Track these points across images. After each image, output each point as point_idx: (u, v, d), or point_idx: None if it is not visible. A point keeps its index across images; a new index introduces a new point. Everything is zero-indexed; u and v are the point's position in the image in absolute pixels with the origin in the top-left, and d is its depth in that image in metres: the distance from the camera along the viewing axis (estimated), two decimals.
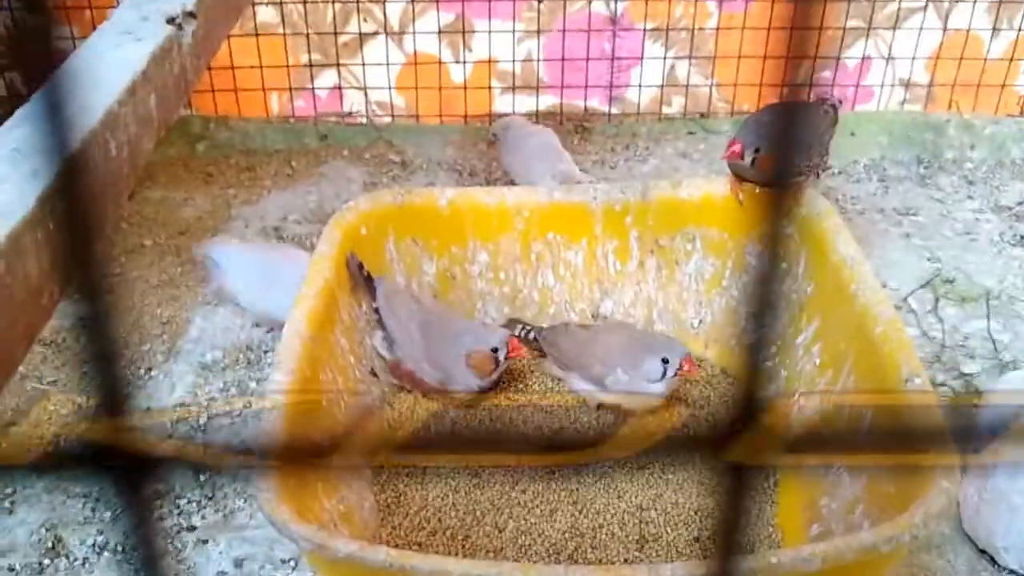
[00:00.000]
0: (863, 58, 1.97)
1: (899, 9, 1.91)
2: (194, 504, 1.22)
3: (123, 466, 0.24)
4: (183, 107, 1.75)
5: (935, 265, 1.62)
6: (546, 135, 1.74)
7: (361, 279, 1.29)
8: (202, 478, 1.25)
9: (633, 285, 1.40)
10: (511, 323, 1.37)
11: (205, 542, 1.17)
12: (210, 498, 1.23)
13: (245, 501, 1.23)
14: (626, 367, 1.24)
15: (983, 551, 1.13)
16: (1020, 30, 1.94)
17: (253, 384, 1.40)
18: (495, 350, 1.25)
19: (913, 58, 1.96)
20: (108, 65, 0.72)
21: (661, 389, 1.23)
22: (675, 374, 1.22)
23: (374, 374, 1.30)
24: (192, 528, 1.19)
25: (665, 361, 1.21)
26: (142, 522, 0.26)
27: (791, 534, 1.11)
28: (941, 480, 0.87)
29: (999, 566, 1.12)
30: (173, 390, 1.39)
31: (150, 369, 1.43)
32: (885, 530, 0.83)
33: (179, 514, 1.20)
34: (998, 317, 1.51)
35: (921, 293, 1.55)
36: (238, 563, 1.14)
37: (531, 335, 1.32)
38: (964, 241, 1.69)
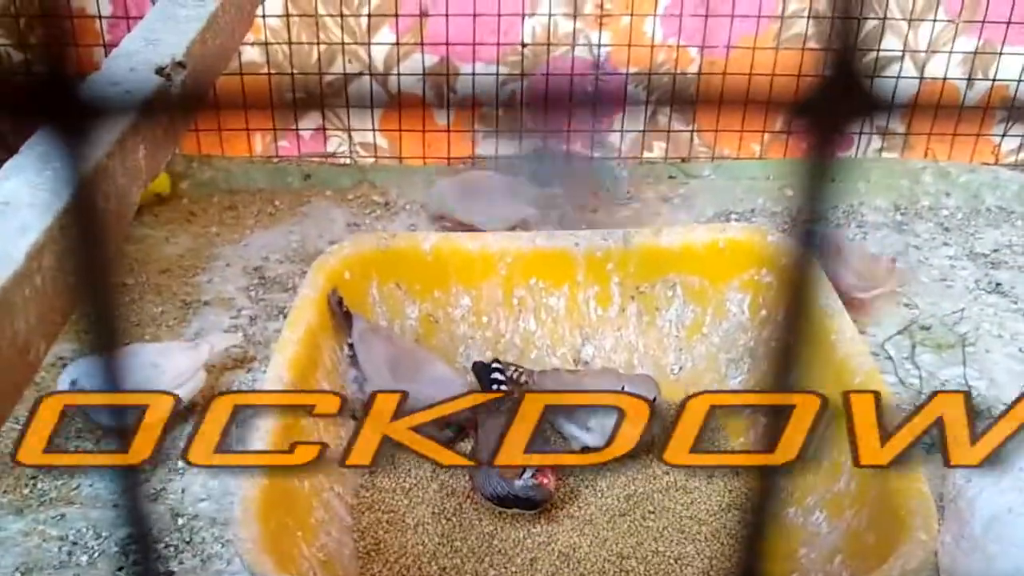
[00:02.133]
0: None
1: (877, 58, 1.95)
2: (171, 548, 1.21)
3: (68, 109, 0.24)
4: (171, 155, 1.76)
5: (912, 311, 1.64)
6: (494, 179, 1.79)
7: (340, 315, 1.30)
8: (180, 522, 1.24)
9: (614, 331, 1.41)
10: (493, 363, 1.37)
11: None
12: (187, 542, 1.22)
13: (223, 547, 1.22)
14: (611, 410, 1.23)
15: None
16: (994, 80, 1.97)
17: (233, 427, 1.39)
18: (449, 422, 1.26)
19: (891, 107, 1.99)
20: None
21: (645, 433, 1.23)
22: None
23: (354, 417, 1.29)
24: (169, 574, 1.18)
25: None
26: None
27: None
28: (918, 532, 0.88)
29: None
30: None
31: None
32: None
33: (156, 559, 1.19)
34: (973, 364, 1.52)
35: (898, 339, 1.57)
36: None
37: (522, 378, 1.32)
38: (940, 288, 1.72)
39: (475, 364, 1.39)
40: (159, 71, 0.85)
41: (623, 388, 1.21)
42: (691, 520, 1.21)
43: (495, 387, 1.34)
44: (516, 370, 1.34)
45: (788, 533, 1.12)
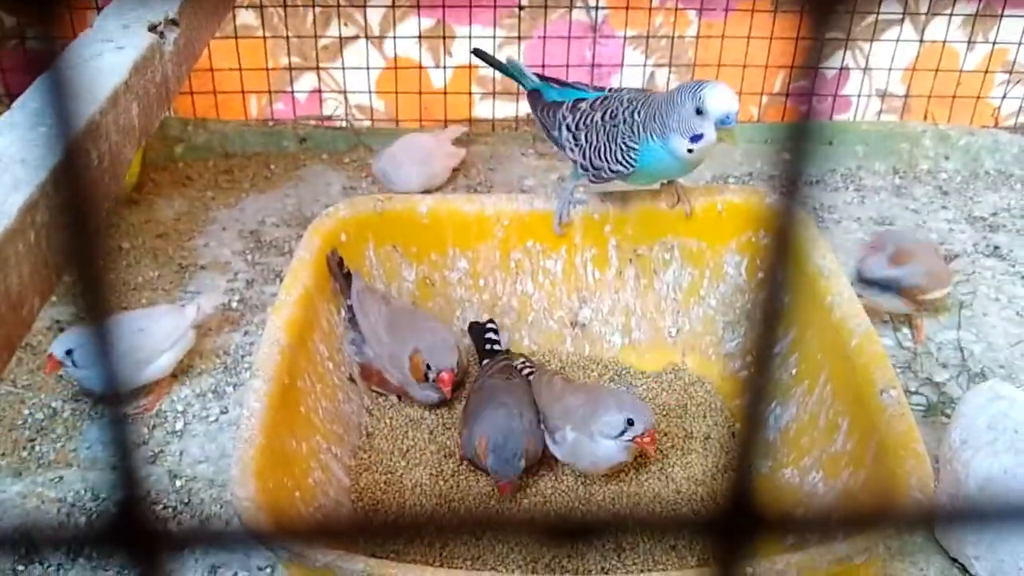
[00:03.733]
0: (841, 68, 1.98)
1: (877, 21, 1.93)
2: (169, 510, 1.22)
3: (141, 545, 0.24)
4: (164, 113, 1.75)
5: None
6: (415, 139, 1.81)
7: (340, 276, 1.29)
8: (178, 484, 1.25)
9: (611, 293, 1.41)
10: (488, 323, 1.37)
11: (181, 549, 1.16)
12: (186, 503, 1.22)
13: (221, 507, 1.22)
14: (576, 425, 1.18)
15: (955, 560, 1.15)
16: (994, 43, 1.96)
17: (230, 389, 1.39)
18: (428, 367, 1.26)
19: (890, 69, 1.98)
20: (90, 74, 0.72)
21: (613, 448, 1.16)
22: (633, 439, 1.14)
23: (352, 380, 1.30)
24: (168, 533, 1.18)
25: (630, 422, 1.14)
26: None
27: (766, 545, 1.12)
28: (915, 491, 0.89)
29: (970, 575, 1.13)
30: (149, 394, 1.38)
31: None
32: (859, 541, 0.84)
33: (155, 520, 1.20)
34: (970, 327, 1.53)
35: None
36: (213, 570, 1.14)
37: (529, 373, 1.31)
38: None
39: (471, 324, 1.39)
40: (152, 28, 0.84)
41: (628, 421, 1.15)
42: (688, 481, 1.21)
43: (489, 347, 1.34)
44: (523, 361, 1.33)
45: (785, 494, 1.13)
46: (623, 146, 1.24)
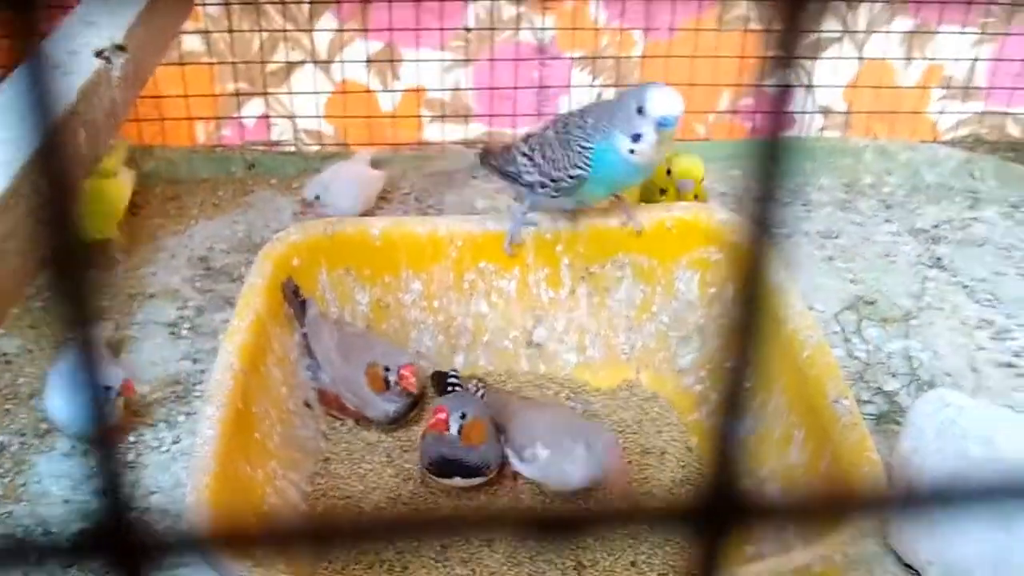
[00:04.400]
0: (784, 86, 2.02)
1: (818, 39, 1.97)
2: None
3: (128, 554, 0.24)
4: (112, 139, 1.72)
5: (858, 287, 1.67)
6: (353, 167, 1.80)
7: (296, 303, 1.29)
8: (132, 516, 1.22)
9: (565, 312, 1.41)
10: (451, 372, 1.36)
11: None
12: None
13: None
14: (547, 442, 1.18)
15: (908, 566, 1.16)
16: (931, 60, 2.01)
17: (182, 418, 1.37)
18: (387, 369, 1.26)
19: (832, 86, 2.03)
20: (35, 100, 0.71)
21: (581, 474, 1.16)
22: (603, 475, 1.15)
23: (308, 405, 1.29)
24: None
25: (601, 469, 1.14)
26: None
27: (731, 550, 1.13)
28: None
29: None
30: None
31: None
32: (818, 549, 0.85)
33: (142, 530, 1.18)
34: (917, 337, 1.55)
35: (845, 314, 1.60)
36: None
37: (481, 394, 1.30)
38: (884, 263, 1.75)
39: (433, 373, 1.37)
40: (99, 54, 0.83)
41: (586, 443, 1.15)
42: (646, 496, 1.22)
43: (451, 389, 1.33)
44: (477, 383, 1.33)
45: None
46: (578, 148, 1.25)
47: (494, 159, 1.38)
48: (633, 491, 1.21)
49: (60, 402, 1.25)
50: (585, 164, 1.25)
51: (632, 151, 1.21)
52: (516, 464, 1.21)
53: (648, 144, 1.21)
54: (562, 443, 1.16)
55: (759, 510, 0.26)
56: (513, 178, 1.34)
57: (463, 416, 1.17)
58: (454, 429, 1.16)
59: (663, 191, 1.52)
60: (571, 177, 1.27)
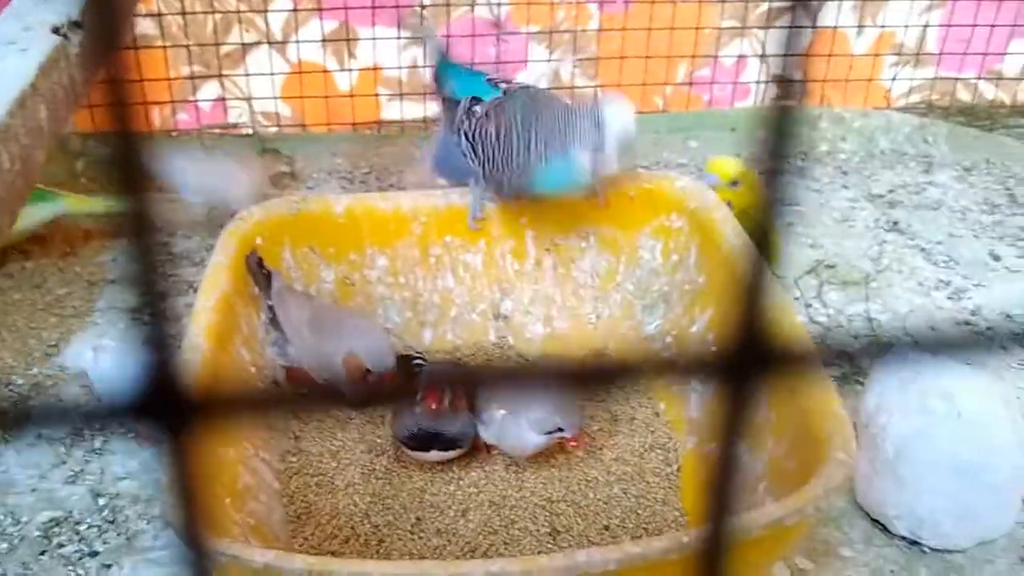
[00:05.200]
0: (739, 56, 2.04)
1: (770, 9, 1.99)
2: (95, 529, 1.19)
3: (175, 417, 0.24)
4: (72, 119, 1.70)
5: (817, 252, 1.69)
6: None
7: (260, 276, 1.28)
8: (101, 502, 1.22)
9: (531, 284, 1.42)
10: (416, 356, 1.35)
11: (108, 567, 1.14)
12: (111, 522, 1.20)
13: (148, 523, 1.20)
14: (505, 403, 1.19)
15: (876, 521, 1.19)
16: (883, 27, 2.03)
17: None
18: (368, 371, 1.25)
19: (785, 55, 2.04)
20: None
21: (542, 440, 1.18)
22: (559, 438, 1.17)
23: (277, 384, 1.28)
24: (94, 553, 1.15)
25: (560, 429, 1.16)
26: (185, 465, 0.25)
27: (697, 517, 1.14)
28: (837, 452, 0.92)
29: (891, 534, 1.17)
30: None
31: (39, 393, 1.38)
32: (789, 503, 0.87)
33: (80, 540, 1.17)
34: (877, 299, 1.58)
35: (806, 279, 1.62)
36: None
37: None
38: (843, 228, 1.77)
39: (399, 357, 1.37)
40: (56, 30, 0.82)
41: (558, 427, 1.17)
42: (616, 462, 1.23)
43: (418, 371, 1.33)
44: (416, 362, 1.33)
45: (710, 466, 1.15)
46: (516, 169, 1.25)
47: (444, 106, 1.36)
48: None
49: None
50: (527, 183, 1.26)
51: (592, 165, 1.22)
52: (479, 429, 1.21)
53: (610, 158, 1.22)
54: (519, 411, 1.17)
55: (786, 358, 0.27)
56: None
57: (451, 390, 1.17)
58: (445, 403, 1.17)
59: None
60: (511, 187, 1.28)
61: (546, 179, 1.25)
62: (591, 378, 0.28)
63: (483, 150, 1.28)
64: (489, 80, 1.36)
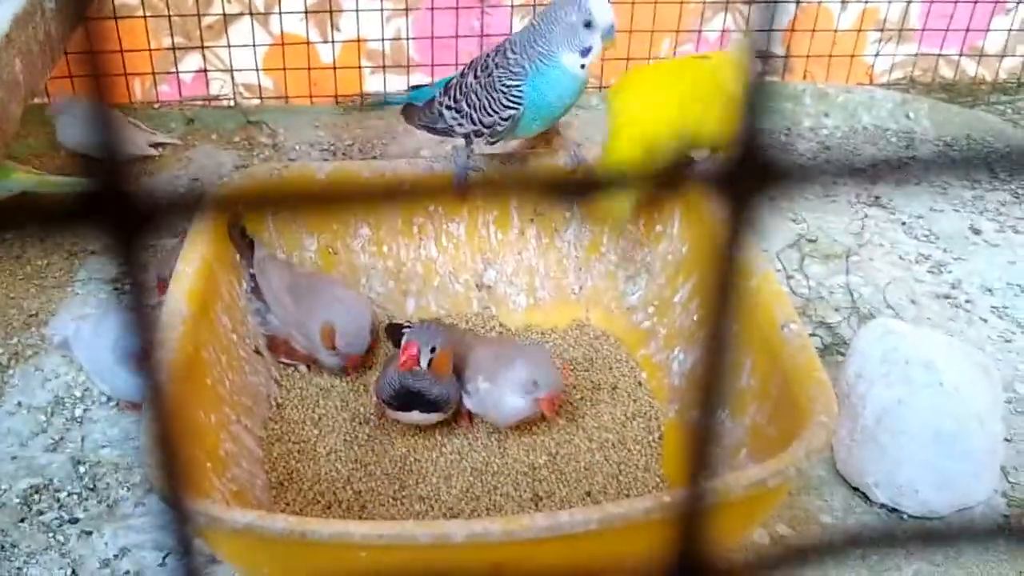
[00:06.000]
0: (723, 31, 2.03)
1: None
2: (75, 496, 1.18)
3: (125, 215, 0.23)
4: (43, 92, 1.68)
5: (799, 226, 1.70)
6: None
7: (243, 244, 1.27)
8: (82, 470, 1.21)
9: (515, 254, 1.42)
10: (405, 324, 1.34)
11: (89, 533, 1.13)
12: (91, 489, 1.19)
13: (128, 491, 1.19)
14: (489, 374, 1.19)
15: (856, 489, 1.19)
16: (867, 3, 2.03)
17: None
18: (338, 344, 1.25)
19: (769, 30, 2.04)
20: None
21: (520, 403, 1.17)
22: (540, 400, 1.16)
23: (258, 352, 1.28)
24: (75, 520, 1.15)
25: (535, 384, 1.15)
26: (137, 266, 0.25)
27: (679, 483, 1.15)
28: (820, 416, 0.92)
29: (871, 501, 1.18)
30: (45, 383, 1.34)
31: (19, 363, 1.37)
32: (771, 465, 0.87)
33: (60, 507, 1.16)
34: (858, 272, 1.59)
35: (788, 252, 1.62)
36: (124, 552, 1.11)
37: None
38: (824, 203, 1.77)
39: (388, 326, 1.36)
40: None
41: (533, 382, 1.15)
42: (598, 429, 1.23)
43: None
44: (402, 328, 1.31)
45: (686, 435, 1.16)
46: (503, 88, 1.24)
47: (421, 117, 1.36)
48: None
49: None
50: (516, 101, 1.24)
51: (583, 66, 1.22)
52: (464, 399, 1.21)
53: (596, 56, 1.22)
54: (499, 379, 1.17)
55: (787, 170, 0.27)
56: (446, 132, 1.33)
57: (432, 350, 1.16)
58: (424, 363, 1.15)
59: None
60: (504, 119, 1.26)
61: (533, 92, 1.23)
62: (571, 187, 0.28)
63: (468, 101, 1.27)
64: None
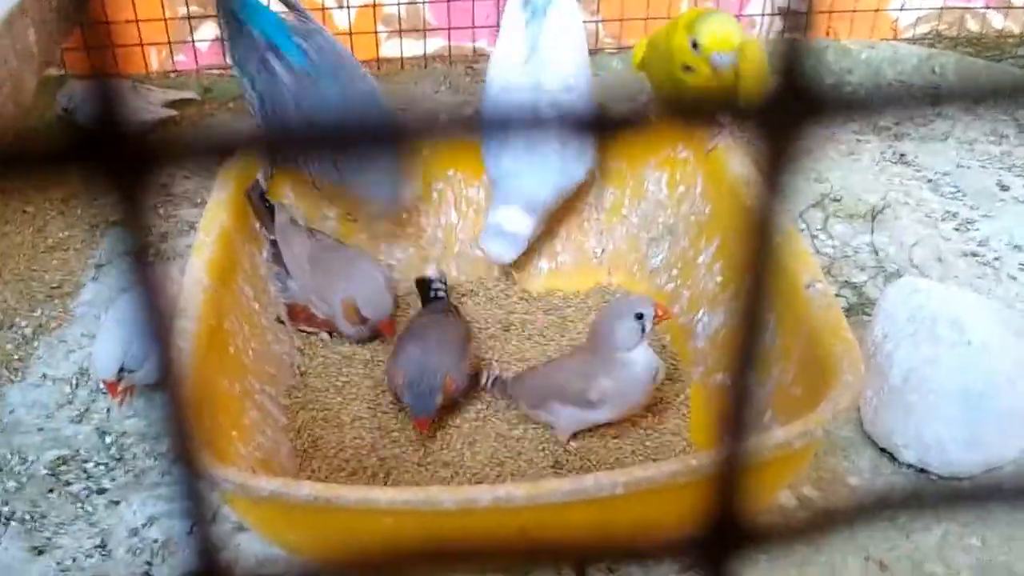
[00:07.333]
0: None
1: None
2: (102, 467, 1.19)
3: (124, 158, 0.23)
4: (58, 62, 1.68)
5: (823, 185, 1.67)
6: None
7: (263, 209, 1.26)
8: (108, 440, 1.22)
9: None
10: (422, 282, 1.34)
11: (117, 503, 1.14)
12: (118, 459, 1.20)
13: (155, 460, 1.20)
14: (603, 365, 1.13)
15: (883, 450, 1.18)
16: None
17: None
18: (364, 318, 1.24)
19: None
20: None
21: (641, 354, 1.12)
22: (654, 323, 1.11)
23: (280, 321, 1.28)
24: (103, 491, 1.15)
25: (639, 316, 1.10)
26: (140, 215, 0.24)
27: (705, 447, 1.14)
28: (846, 375, 0.91)
29: (899, 462, 1.17)
30: (69, 355, 1.34)
31: (43, 335, 1.38)
32: (798, 426, 0.86)
33: (88, 478, 1.17)
34: (883, 231, 1.57)
35: (812, 212, 1.60)
36: (152, 520, 1.12)
37: (493, 383, 1.21)
38: (849, 162, 1.75)
39: (417, 280, 1.35)
40: None
41: (638, 316, 1.10)
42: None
43: (433, 294, 1.31)
44: (488, 376, 1.22)
45: (719, 397, 1.15)
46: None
47: None
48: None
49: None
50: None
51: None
52: (587, 416, 1.15)
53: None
54: (613, 338, 1.11)
55: (834, 103, 0.25)
56: None
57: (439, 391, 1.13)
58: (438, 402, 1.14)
59: (688, 68, 1.21)
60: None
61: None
62: (603, 125, 0.27)
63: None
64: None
